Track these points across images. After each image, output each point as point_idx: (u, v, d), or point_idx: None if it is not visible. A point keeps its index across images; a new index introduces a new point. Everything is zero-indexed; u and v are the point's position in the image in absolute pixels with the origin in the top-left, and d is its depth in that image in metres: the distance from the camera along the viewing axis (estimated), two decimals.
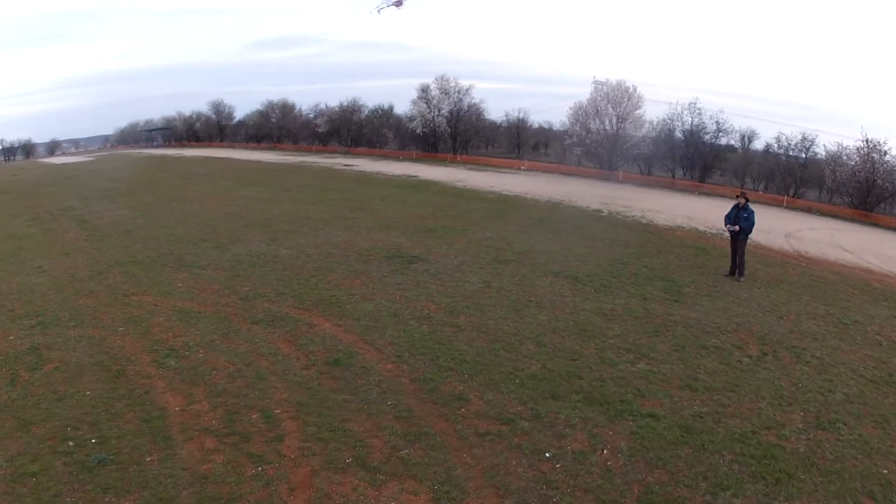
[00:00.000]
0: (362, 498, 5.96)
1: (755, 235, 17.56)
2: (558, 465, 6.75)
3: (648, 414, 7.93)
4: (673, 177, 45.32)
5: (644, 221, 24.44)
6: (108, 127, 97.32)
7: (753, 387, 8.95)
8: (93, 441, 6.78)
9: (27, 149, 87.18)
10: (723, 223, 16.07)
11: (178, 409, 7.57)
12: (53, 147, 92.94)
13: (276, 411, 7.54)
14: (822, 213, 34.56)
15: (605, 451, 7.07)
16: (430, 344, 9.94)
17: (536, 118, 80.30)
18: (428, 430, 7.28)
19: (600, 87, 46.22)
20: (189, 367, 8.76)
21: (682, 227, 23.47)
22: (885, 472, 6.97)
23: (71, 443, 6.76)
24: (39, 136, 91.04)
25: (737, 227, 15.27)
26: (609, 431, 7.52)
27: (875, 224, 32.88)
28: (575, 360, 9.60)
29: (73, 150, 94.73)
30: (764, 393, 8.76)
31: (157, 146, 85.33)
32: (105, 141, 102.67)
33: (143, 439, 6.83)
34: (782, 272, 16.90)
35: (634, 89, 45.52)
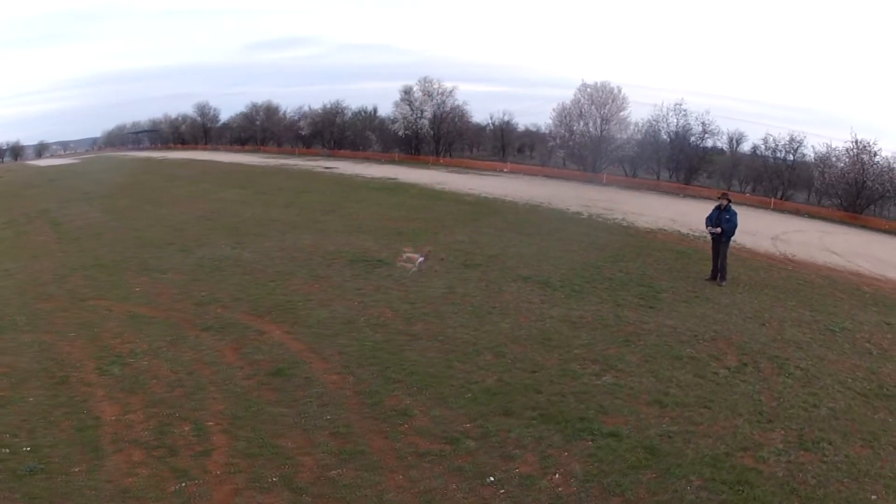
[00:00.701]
0: None
1: (739, 238, 16.85)
2: (502, 491, 5.95)
3: (610, 433, 7.07)
4: (658, 179, 44.57)
5: (625, 224, 23.66)
6: (100, 129, 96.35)
7: (730, 402, 8.10)
8: (27, 449, 6.46)
9: (15, 151, 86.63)
10: (704, 225, 15.23)
11: (112, 418, 7.17)
12: (41, 149, 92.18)
13: (209, 423, 7.04)
14: (811, 216, 33.90)
15: (556, 476, 6.24)
16: (381, 354, 9.26)
17: (525, 120, 79.57)
18: (364, 448, 6.63)
19: (584, 88, 45.48)
20: (131, 376, 8.35)
21: (665, 230, 22.72)
22: (873, 497, 6.15)
23: (7, 450, 6.43)
24: (31, 138, 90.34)
25: (719, 230, 14.48)
26: (564, 453, 6.67)
27: (865, 226, 32.26)
28: (535, 372, 8.76)
29: (61, 152, 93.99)
30: (741, 409, 7.91)
31: (144, 148, 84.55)
32: (93, 143, 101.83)
33: (74, 449, 6.48)
34: (767, 276, 16.14)
35: (619, 90, 44.86)
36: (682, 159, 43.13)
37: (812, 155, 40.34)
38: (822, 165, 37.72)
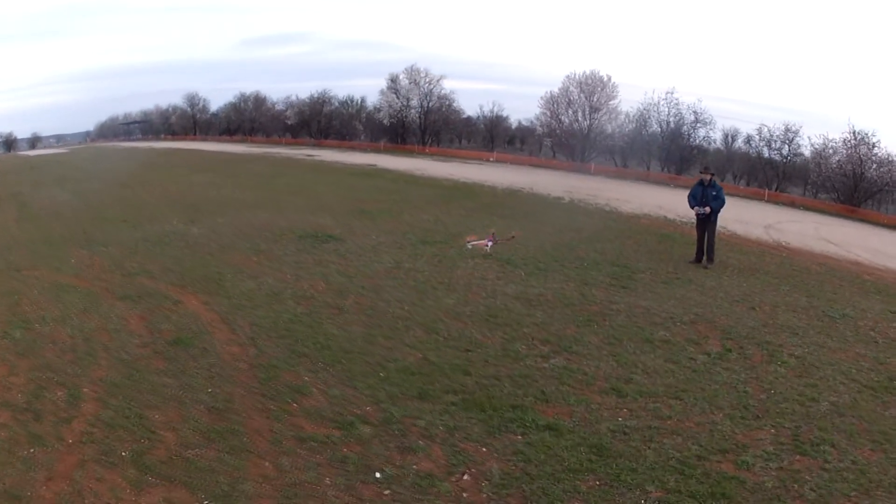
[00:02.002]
0: (115, 501, 4.61)
1: (730, 225, 15.38)
2: (387, 492, 4.68)
3: (547, 426, 5.52)
4: (648, 170, 43.01)
5: (608, 209, 22.09)
6: (94, 122, 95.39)
7: (708, 393, 6.52)
8: None
9: (9, 142, 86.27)
10: (688, 205, 13.59)
11: None
12: (35, 141, 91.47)
13: (85, 390, 6.30)
14: (807, 208, 32.39)
15: (464, 477, 4.82)
16: (297, 327, 8.14)
17: (518, 116, 77.73)
18: (238, 427, 5.63)
19: (573, 76, 43.90)
20: (30, 340, 7.66)
21: (649, 216, 21.14)
22: None
23: None
24: (26, 132, 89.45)
25: (707, 209, 12.90)
26: (482, 448, 5.21)
27: (863, 220, 30.83)
28: (469, 351, 7.26)
29: (54, 143, 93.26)
30: (722, 401, 6.34)
31: (135, 139, 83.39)
32: (86, 136, 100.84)
33: None
34: (759, 262, 14.55)
35: (609, 79, 43.30)
36: (674, 149, 41.51)
37: (808, 148, 38.88)
38: (818, 157, 36.29)
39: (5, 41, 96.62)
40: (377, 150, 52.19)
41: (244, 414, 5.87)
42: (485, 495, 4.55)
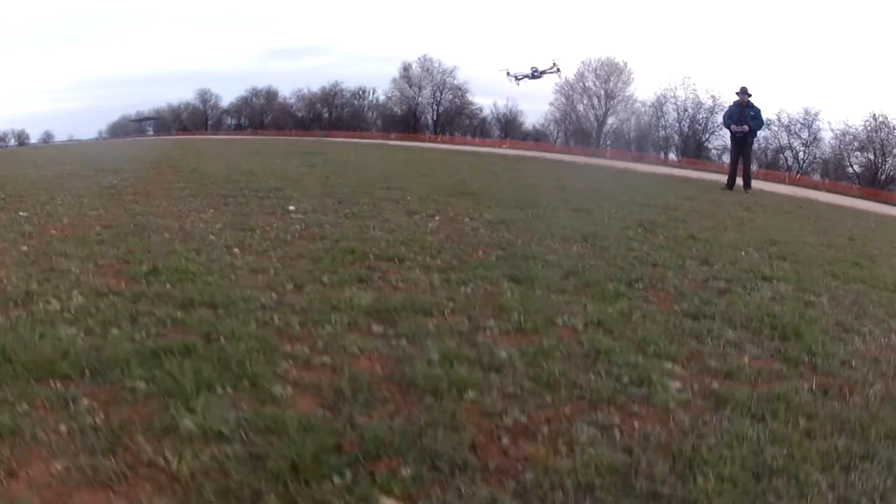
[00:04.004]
0: None
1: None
2: None
3: None
4: (665, 157, 42.16)
5: (621, 167, 21.22)
6: (106, 123, 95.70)
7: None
8: None
9: (21, 139, 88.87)
10: (724, 126, 12.86)
11: None
12: (47, 139, 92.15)
13: None
14: (830, 191, 31.47)
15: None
16: None
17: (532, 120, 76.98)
18: None
19: (588, 63, 43.20)
20: None
21: (670, 174, 20.19)
22: None
23: None
24: (36, 134, 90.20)
25: (745, 127, 12.12)
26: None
27: (887, 202, 29.86)
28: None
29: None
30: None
31: (147, 136, 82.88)
32: (99, 135, 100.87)
33: None
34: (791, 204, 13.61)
35: (625, 65, 42.56)
36: (691, 135, 40.65)
37: (829, 132, 37.93)
38: (839, 142, 35.58)
39: (23, 46, 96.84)
40: (386, 140, 51.22)
41: None
42: None
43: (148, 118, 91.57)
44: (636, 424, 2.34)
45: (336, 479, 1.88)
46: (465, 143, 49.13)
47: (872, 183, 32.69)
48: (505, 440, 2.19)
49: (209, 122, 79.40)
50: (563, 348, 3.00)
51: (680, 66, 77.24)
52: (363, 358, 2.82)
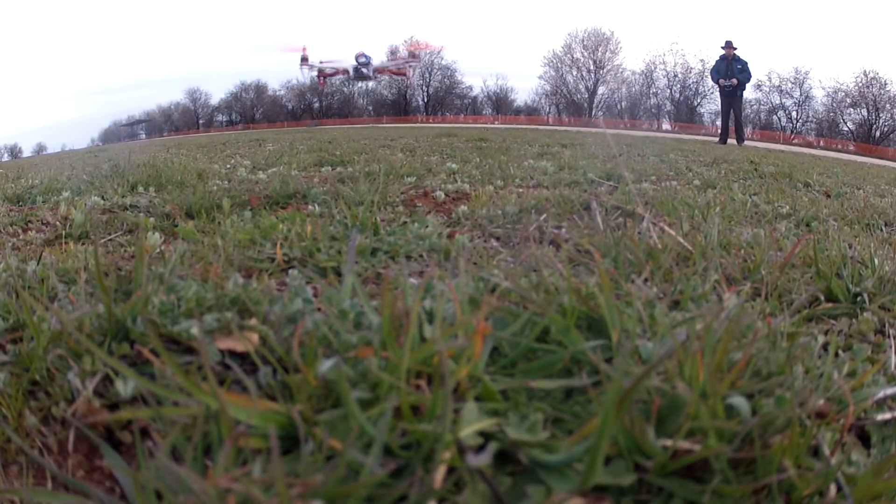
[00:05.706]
0: None
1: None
2: None
3: None
4: (658, 126, 42.03)
5: (611, 133, 20.97)
6: (98, 130, 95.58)
7: None
8: None
9: (14, 152, 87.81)
10: (712, 80, 12.73)
11: None
12: (40, 150, 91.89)
13: None
14: (824, 148, 31.48)
15: None
16: None
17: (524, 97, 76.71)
18: None
19: (574, 34, 42.94)
20: None
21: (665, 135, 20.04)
22: None
23: None
24: (30, 146, 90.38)
25: (734, 81, 12.01)
26: None
27: (882, 157, 29.89)
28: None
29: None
30: None
31: (139, 139, 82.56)
32: (91, 143, 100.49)
33: None
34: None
35: (612, 34, 42.33)
36: (682, 100, 40.48)
37: (820, 90, 37.85)
38: (831, 99, 35.51)
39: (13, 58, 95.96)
40: (378, 125, 51.23)
41: None
42: None
43: (139, 121, 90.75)
44: None
45: None
46: (456, 123, 49.08)
47: (868, 139, 32.64)
48: None
49: (200, 121, 79.01)
50: None
51: (667, 32, 75.96)
52: None
